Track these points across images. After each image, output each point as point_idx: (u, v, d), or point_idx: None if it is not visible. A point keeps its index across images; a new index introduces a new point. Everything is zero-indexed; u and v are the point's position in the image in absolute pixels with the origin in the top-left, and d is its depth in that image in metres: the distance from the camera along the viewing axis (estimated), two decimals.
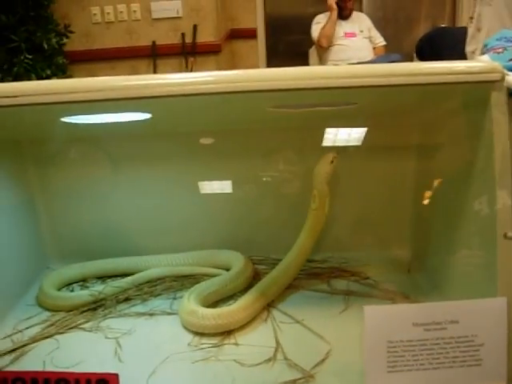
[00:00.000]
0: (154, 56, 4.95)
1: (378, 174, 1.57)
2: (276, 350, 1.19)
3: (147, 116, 1.26)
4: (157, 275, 1.55)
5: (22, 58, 3.99)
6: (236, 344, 1.23)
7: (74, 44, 4.71)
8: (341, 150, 1.39)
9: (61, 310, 1.41)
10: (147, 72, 4.90)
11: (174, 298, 1.44)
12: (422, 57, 4.30)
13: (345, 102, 1.25)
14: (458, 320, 0.96)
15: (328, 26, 5.02)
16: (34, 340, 1.28)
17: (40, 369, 1.14)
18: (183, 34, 4.92)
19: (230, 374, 1.12)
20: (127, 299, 1.45)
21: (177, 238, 1.62)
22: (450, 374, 0.97)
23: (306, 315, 1.32)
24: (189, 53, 4.93)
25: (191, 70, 4.85)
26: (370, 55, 5.10)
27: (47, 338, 1.29)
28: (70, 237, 1.65)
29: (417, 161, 1.55)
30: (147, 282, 1.52)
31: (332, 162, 1.33)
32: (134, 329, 1.31)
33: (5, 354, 1.22)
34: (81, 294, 1.47)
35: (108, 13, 4.86)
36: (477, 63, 1.06)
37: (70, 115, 1.24)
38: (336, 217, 1.50)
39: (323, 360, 1.14)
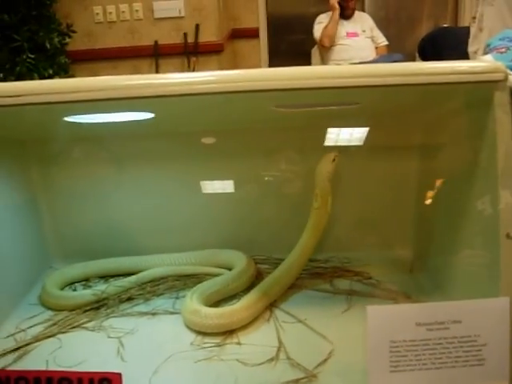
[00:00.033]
0: (156, 56, 4.95)
1: (381, 173, 1.57)
2: (278, 350, 1.19)
3: (149, 116, 1.26)
4: (159, 275, 1.55)
5: (25, 57, 4.00)
6: (239, 343, 1.23)
7: (76, 43, 4.72)
8: (343, 150, 1.39)
9: (63, 310, 1.41)
10: (149, 72, 4.90)
11: (177, 298, 1.44)
12: (425, 57, 4.29)
13: (347, 102, 1.25)
14: (461, 320, 0.96)
15: (330, 26, 5.02)
16: (37, 339, 1.28)
17: (43, 368, 1.14)
18: (185, 34, 4.92)
19: (233, 373, 1.12)
20: (130, 299, 1.45)
21: (179, 238, 1.62)
22: (452, 373, 0.97)
23: (308, 315, 1.32)
24: (191, 52, 4.93)
25: (193, 70, 4.86)
26: (372, 55, 5.11)
27: (50, 337, 1.29)
28: (73, 236, 1.65)
29: (419, 161, 1.55)
30: (150, 281, 1.52)
31: (334, 160, 1.33)
32: (137, 328, 1.31)
33: (8, 352, 1.22)
34: (83, 294, 1.47)
35: (110, 12, 4.87)
36: (480, 63, 1.06)
37: (73, 115, 1.24)
38: (339, 217, 1.50)
39: (326, 360, 1.14)
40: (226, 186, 1.63)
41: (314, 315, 1.32)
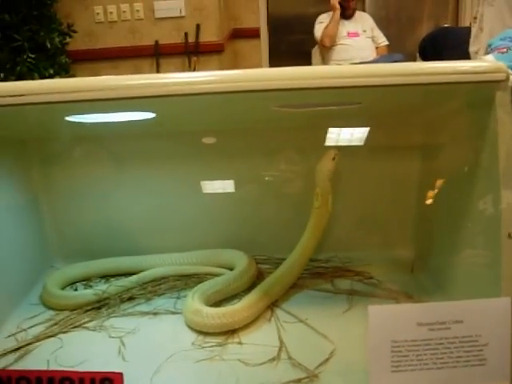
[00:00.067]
0: (156, 55, 4.96)
1: (382, 173, 1.57)
2: (280, 350, 1.19)
3: (150, 115, 1.26)
4: (160, 274, 1.55)
5: (25, 57, 4.00)
6: (240, 343, 1.23)
7: (76, 43, 4.72)
8: (344, 150, 1.39)
9: (65, 309, 1.41)
10: (150, 71, 4.91)
11: (178, 298, 1.44)
12: (425, 57, 4.30)
13: (348, 102, 1.25)
14: (463, 320, 0.96)
15: (331, 26, 5.03)
16: (38, 339, 1.28)
17: (44, 368, 1.14)
18: (186, 34, 4.92)
19: (234, 373, 1.12)
20: (131, 298, 1.45)
21: (180, 238, 1.62)
22: (453, 373, 0.97)
23: (309, 314, 1.32)
24: (192, 52, 4.93)
25: (194, 70, 4.86)
26: (373, 55, 5.11)
27: (51, 336, 1.29)
28: (74, 236, 1.65)
29: (421, 161, 1.55)
30: (151, 281, 1.52)
31: (334, 158, 1.33)
32: (138, 328, 1.31)
33: (9, 352, 1.22)
34: (84, 293, 1.47)
35: (111, 12, 4.87)
36: (481, 63, 1.06)
37: (74, 114, 1.24)
38: (340, 216, 1.50)
39: (327, 359, 1.14)
40: (226, 186, 1.63)
41: (315, 315, 1.32)
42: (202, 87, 1.02)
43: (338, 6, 5.04)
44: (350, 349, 1.17)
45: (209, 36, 4.95)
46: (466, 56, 3.26)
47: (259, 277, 1.50)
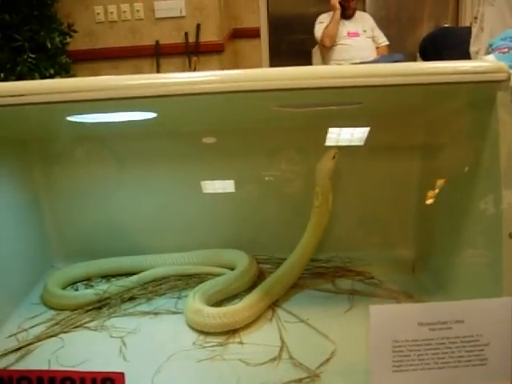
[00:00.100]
0: (157, 55, 4.96)
1: (383, 173, 1.57)
2: (281, 349, 1.19)
3: (151, 115, 1.26)
4: (161, 274, 1.55)
5: (26, 57, 4.00)
6: (241, 343, 1.23)
7: (77, 43, 4.72)
8: (345, 150, 1.39)
9: (65, 309, 1.41)
10: (150, 71, 4.91)
11: (179, 298, 1.44)
12: (425, 57, 4.30)
13: (348, 102, 1.25)
14: (464, 320, 0.96)
15: (331, 26, 5.03)
16: (39, 339, 1.28)
17: (45, 367, 1.14)
18: (186, 34, 4.93)
19: (235, 373, 1.12)
20: (132, 298, 1.45)
21: (181, 238, 1.62)
22: (455, 373, 0.97)
23: (310, 314, 1.32)
24: (192, 52, 4.94)
25: (194, 70, 4.86)
26: (373, 55, 5.11)
27: (52, 336, 1.29)
28: (75, 236, 1.65)
29: (421, 161, 1.55)
30: (152, 281, 1.52)
31: (334, 157, 1.33)
32: (139, 328, 1.31)
33: (10, 352, 1.22)
34: (85, 293, 1.47)
35: (111, 12, 4.87)
36: (482, 63, 1.06)
37: (75, 114, 1.24)
38: (340, 216, 1.50)
39: (328, 359, 1.14)
40: (227, 186, 1.63)
41: (316, 315, 1.32)
42: (203, 87, 1.02)
43: (338, 5, 5.04)
44: (351, 349, 1.17)
45: (209, 36, 4.95)
46: (466, 56, 3.26)
47: (260, 277, 1.50)
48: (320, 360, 1.14)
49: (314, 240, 1.39)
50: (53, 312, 1.41)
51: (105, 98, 1.02)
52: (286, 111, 1.26)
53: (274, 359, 1.16)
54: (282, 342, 1.22)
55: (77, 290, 1.54)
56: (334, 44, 5.07)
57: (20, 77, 3.94)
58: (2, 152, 1.44)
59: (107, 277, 1.58)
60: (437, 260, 1.44)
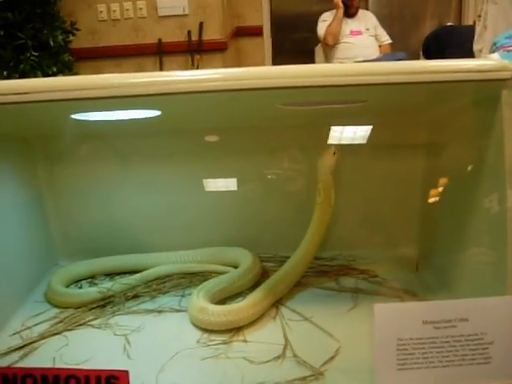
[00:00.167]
0: (160, 53, 4.96)
1: (386, 172, 1.57)
2: (285, 348, 1.19)
3: (154, 114, 1.26)
4: (165, 272, 1.55)
5: (29, 55, 4.01)
6: (245, 341, 1.23)
7: (80, 41, 4.72)
8: (348, 148, 1.40)
9: (69, 307, 1.41)
10: (153, 70, 4.91)
11: (183, 296, 1.44)
12: (429, 55, 4.30)
13: (353, 100, 1.25)
14: (468, 318, 0.96)
15: (334, 24, 5.03)
16: (43, 337, 1.28)
17: (49, 365, 1.14)
18: (189, 32, 4.92)
19: (240, 371, 1.12)
20: (136, 296, 1.45)
21: (184, 236, 1.62)
22: (459, 371, 0.97)
23: (314, 313, 1.32)
24: (195, 50, 4.93)
25: (197, 68, 4.86)
26: (376, 53, 5.11)
27: (56, 334, 1.29)
28: (79, 234, 1.65)
29: (425, 159, 1.55)
30: (155, 279, 1.52)
31: (334, 153, 1.33)
32: (143, 326, 1.31)
33: (14, 350, 1.22)
34: (89, 291, 1.47)
35: (114, 10, 4.87)
36: (487, 61, 1.06)
37: (78, 112, 1.24)
38: (344, 215, 1.50)
39: (332, 357, 1.14)
40: (231, 184, 1.63)
41: (319, 313, 1.32)
42: (206, 85, 1.02)
43: (341, 4, 5.04)
44: (355, 347, 1.17)
45: (212, 34, 4.95)
46: (469, 54, 3.26)
47: (264, 275, 1.50)
48: (324, 358, 1.14)
49: (318, 237, 1.39)
50: (56, 310, 1.41)
51: (108, 96, 1.02)
52: (289, 109, 1.26)
53: (278, 357, 1.16)
54: (286, 340, 1.22)
55: (80, 287, 1.54)
56: (336, 42, 5.07)
57: (23, 75, 3.95)
58: (6, 150, 1.44)
59: (111, 275, 1.59)
60: (441, 258, 1.44)
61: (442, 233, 1.44)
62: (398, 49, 5.17)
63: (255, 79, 1.02)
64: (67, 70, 4.42)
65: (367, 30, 5.16)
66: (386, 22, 5.45)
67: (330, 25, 5.04)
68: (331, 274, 1.53)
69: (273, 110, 1.31)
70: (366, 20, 5.20)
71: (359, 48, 5.06)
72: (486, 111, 1.09)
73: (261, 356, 1.16)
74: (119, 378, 0.96)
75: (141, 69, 4.94)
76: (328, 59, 5.18)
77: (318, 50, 5.35)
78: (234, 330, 1.26)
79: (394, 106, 1.43)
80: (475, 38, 3.31)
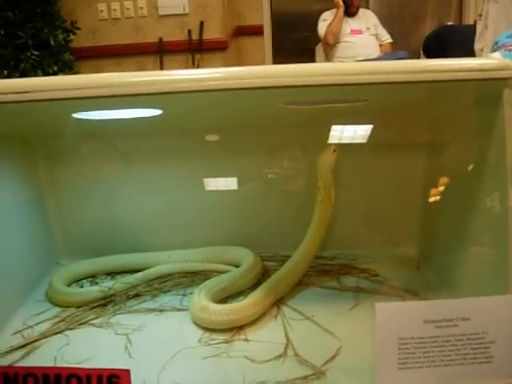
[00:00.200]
0: (160, 53, 4.96)
1: (388, 171, 1.57)
2: (286, 347, 1.19)
3: (154, 112, 1.26)
4: (166, 271, 1.55)
5: (29, 54, 4.01)
6: (246, 340, 1.23)
7: (80, 40, 4.73)
8: (350, 148, 1.40)
9: (70, 306, 1.41)
10: (154, 69, 4.91)
11: (184, 295, 1.44)
12: (429, 54, 4.30)
13: (353, 99, 1.25)
14: (469, 317, 0.96)
15: (334, 23, 5.02)
16: (45, 336, 1.28)
17: (51, 364, 1.14)
18: (190, 31, 4.92)
19: (241, 370, 1.12)
20: (137, 295, 1.45)
21: (186, 235, 1.62)
22: (460, 371, 0.97)
23: (315, 312, 1.32)
24: (195, 49, 4.94)
25: (198, 67, 4.86)
26: (377, 52, 5.10)
27: (57, 333, 1.29)
28: (80, 233, 1.65)
29: (426, 158, 1.55)
30: (157, 278, 1.52)
31: (334, 151, 1.34)
32: (144, 325, 1.31)
33: (15, 349, 1.22)
34: (90, 290, 1.47)
35: (114, 9, 4.87)
36: (488, 60, 1.05)
37: (79, 111, 1.24)
38: (345, 214, 1.50)
39: (334, 356, 1.14)
40: (232, 183, 1.63)
41: (321, 312, 1.32)
42: (206, 84, 1.02)
43: (341, 3, 5.03)
44: (357, 346, 1.17)
45: (212, 33, 4.95)
46: (470, 54, 3.26)
47: (265, 274, 1.50)
48: (325, 357, 1.14)
49: (319, 236, 1.39)
50: (58, 309, 1.41)
51: (108, 95, 1.02)
52: (290, 108, 1.26)
53: (280, 356, 1.16)
54: (288, 339, 1.22)
55: (82, 286, 1.54)
56: (337, 41, 5.07)
57: (23, 74, 3.95)
58: (7, 149, 1.45)
59: (112, 274, 1.58)
60: (442, 257, 1.44)
61: (443, 232, 1.44)
62: (399, 48, 5.17)
63: (256, 78, 1.02)
64: (68, 69, 4.42)
65: (368, 29, 5.15)
66: (386, 21, 5.45)
67: (330, 24, 5.03)
68: (332, 273, 1.53)
69: (273, 109, 1.31)
70: (367, 19, 5.20)
71: (360, 47, 5.05)
72: (488, 110, 1.09)
73: (262, 355, 1.16)
74: (120, 376, 0.96)
75: (141, 68, 4.94)
76: (328, 58, 5.18)
77: (319, 50, 5.34)
78: (236, 328, 1.26)
79: (395, 105, 1.43)
80: (476, 37, 3.31)
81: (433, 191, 1.49)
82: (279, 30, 6.09)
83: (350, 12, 5.11)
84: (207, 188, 1.61)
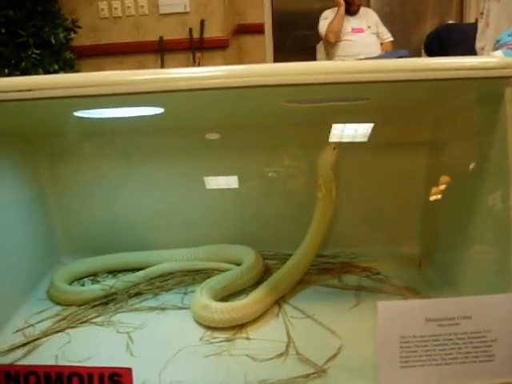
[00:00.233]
0: (161, 51, 4.96)
1: (389, 169, 1.57)
2: (288, 345, 1.19)
3: (155, 111, 1.26)
4: (168, 270, 1.55)
5: (30, 52, 4.01)
6: (248, 339, 1.23)
7: (81, 39, 4.73)
8: (351, 146, 1.39)
9: (72, 305, 1.41)
10: (154, 67, 4.90)
11: (185, 293, 1.44)
12: (430, 53, 4.30)
13: (354, 98, 1.25)
14: (471, 316, 0.96)
15: (335, 22, 5.02)
16: (46, 334, 1.28)
17: (52, 363, 1.14)
18: (191, 29, 4.92)
19: (243, 368, 1.12)
20: (138, 293, 1.45)
21: (187, 233, 1.62)
22: (462, 369, 0.97)
23: (317, 310, 1.32)
24: (196, 48, 4.93)
25: (199, 65, 4.86)
26: (378, 51, 5.10)
27: (59, 332, 1.29)
28: (81, 231, 1.65)
29: (427, 157, 1.55)
30: (158, 276, 1.52)
31: (334, 148, 1.34)
32: (146, 323, 1.31)
33: (17, 347, 1.22)
34: (92, 289, 1.47)
35: (115, 8, 4.87)
36: (490, 59, 1.05)
37: (80, 109, 1.24)
38: (347, 212, 1.50)
39: (335, 355, 1.14)
40: (233, 182, 1.63)
41: (322, 310, 1.32)
42: (207, 82, 1.02)
43: (342, 1, 5.03)
44: (358, 344, 1.17)
45: (213, 32, 4.95)
46: (472, 52, 3.26)
47: (266, 272, 1.50)
48: (327, 355, 1.14)
49: (320, 235, 1.39)
50: (59, 307, 1.41)
51: (109, 94, 1.02)
52: (291, 107, 1.26)
53: (281, 355, 1.16)
54: (289, 337, 1.22)
55: (83, 285, 1.54)
56: (338, 40, 5.07)
57: (24, 72, 3.95)
58: (8, 147, 1.44)
59: (113, 272, 1.58)
60: (443, 256, 1.44)
61: (445, 230, 1.44)
62: (400, 47, 5.17)
63: (257, 77, 1.02)
64: (69, 67, 4.42)
65: (369, 27, 5.15)
66: (387, 19, 5.45)
67: (331, 22, 5.03)
68: (334, 271, 1.53)
69: (274, 107, 1.31)
70: (368, 18, 5.20)
71: (361, 46, 5.05)
72: (490, 109, 1.09)
73: (264, 353, 1.16)
74: (122, 375, 0.96)
75: (142, 66, 4.94)
76: (329, 57, 5.17)
77: (320, 48, 5.35)
78: (237, 327, 1.26)
79: (397, 103, 1.42)
80: (477, 35, 3.31)
81: (434, 189, 1.49)
82: (280, 29, 6.09)
83: (351, 10, 5.11)
84: (208, 186, 1.61)
